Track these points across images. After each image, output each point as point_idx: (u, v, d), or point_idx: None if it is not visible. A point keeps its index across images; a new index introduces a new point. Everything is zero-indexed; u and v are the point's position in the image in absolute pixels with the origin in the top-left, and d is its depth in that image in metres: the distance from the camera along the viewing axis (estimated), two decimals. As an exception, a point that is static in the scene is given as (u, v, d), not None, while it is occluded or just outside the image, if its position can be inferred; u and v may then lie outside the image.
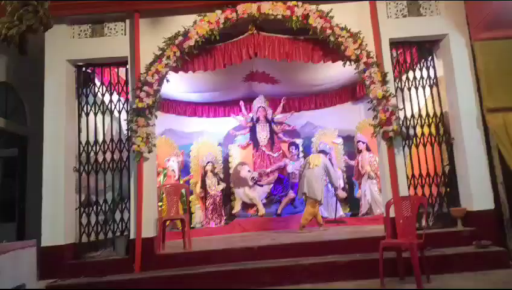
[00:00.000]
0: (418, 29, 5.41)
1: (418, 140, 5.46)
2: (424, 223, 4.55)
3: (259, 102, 8.20)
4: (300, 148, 8.04)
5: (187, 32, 5.20)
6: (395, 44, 5.48)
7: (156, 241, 5.08)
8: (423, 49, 5.67)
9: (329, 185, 7.18)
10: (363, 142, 7.45)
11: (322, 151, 6.95)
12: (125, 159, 5.40)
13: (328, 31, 5.17)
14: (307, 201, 6.47)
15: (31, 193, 6.08)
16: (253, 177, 7.59)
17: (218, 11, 5.22)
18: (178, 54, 5.19)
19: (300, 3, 5.20)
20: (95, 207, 5.36)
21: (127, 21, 5.43)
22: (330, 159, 7.32)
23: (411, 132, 5.48)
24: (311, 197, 6.38)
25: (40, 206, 4.95)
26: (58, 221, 4.96)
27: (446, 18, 5.39)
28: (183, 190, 6.67)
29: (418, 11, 5.46)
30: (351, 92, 8.36)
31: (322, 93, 8.58)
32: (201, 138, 8.25)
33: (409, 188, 5.20)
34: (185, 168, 8.00)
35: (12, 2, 2.53)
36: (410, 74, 5.66)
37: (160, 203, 6.52)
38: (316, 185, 6.38)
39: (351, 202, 7.39)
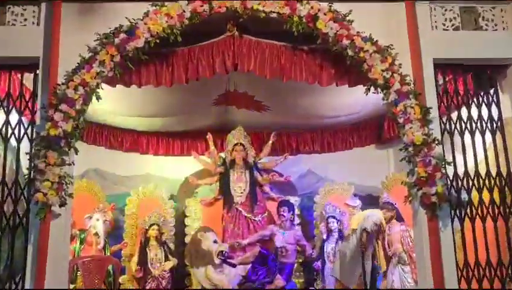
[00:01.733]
0: (475, 49, 5.57)
1: (475, 210, 5.49)
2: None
3: (236, 137, 8.17)
4: (297, 211, 8.00)
5: (134, 27, 5.23)
6: (441, 67, 5.62)
7: None
8: (483, 77, 5.83)
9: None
10: (393, 208, 7.40)
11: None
12: (21, 214, 5.27)
13: (345, 41, 5.27)
14: None
15: None
16: (221, 252, 7.36)
17: (183, 1, 5.29)
18: (117, 58, 5.19)
19: (305, -1, 5.35)
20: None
21: (43, 5, 5.45)
22: (340, 231, 7.37)
23: (464, 196, 5.52)
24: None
25: None
26: None
27: (518, 35, 5.66)
28: (110, 267, 6.57)
29: (476, 22, 5.67)
30: (375, 130, 8.47)
31: (332, 129, 8.67)
32: (144, 186, 8.17)
33: (459, 281, 5.22)
34: (115, 232, 7.89)
35: None
36: (463, 112, 5.77)
37: (72, 286, 6.38)
38: (351, 264, 6.29)
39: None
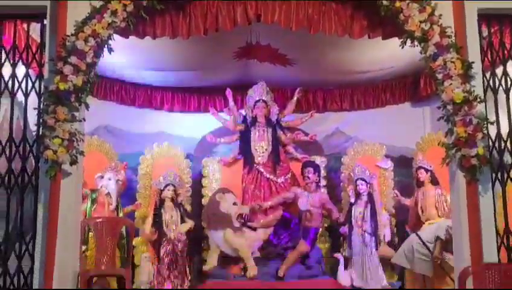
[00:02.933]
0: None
1: (517, 174, 5.49)
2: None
3: (258, 92, 8.12)
4: (323, 172, 8.00)
5: (149, -27, 5.22)
6: (486, 18, 5.53)
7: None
8: (533, 29, 5.73)
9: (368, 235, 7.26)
10: (427, 170, 7.44)
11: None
12: (30, 172, 5.36)
13: (380, -11, 5.22)
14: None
15: None
16: (241, 215, 7.50)
17: None
18: (131, 8, 5.17)
19: None
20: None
21: (50, -51, 5.43)
22: (370, 194, 7.39)
23: (506, 158, 5.48)
24: None
25: None
26: None
27: None
28: (123, 228, 6.60)
29: (529, -35, 5.54)
30: (410, 87, 8.41)
31: (363, 85, 8.62)
32: (158, 145, 8.19)
33: (499, 249, 5.23)
34: (128, 192, 7.96)
35: None
36: (510, 67, 5.67)
37: (84, 247, 6.46)
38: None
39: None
